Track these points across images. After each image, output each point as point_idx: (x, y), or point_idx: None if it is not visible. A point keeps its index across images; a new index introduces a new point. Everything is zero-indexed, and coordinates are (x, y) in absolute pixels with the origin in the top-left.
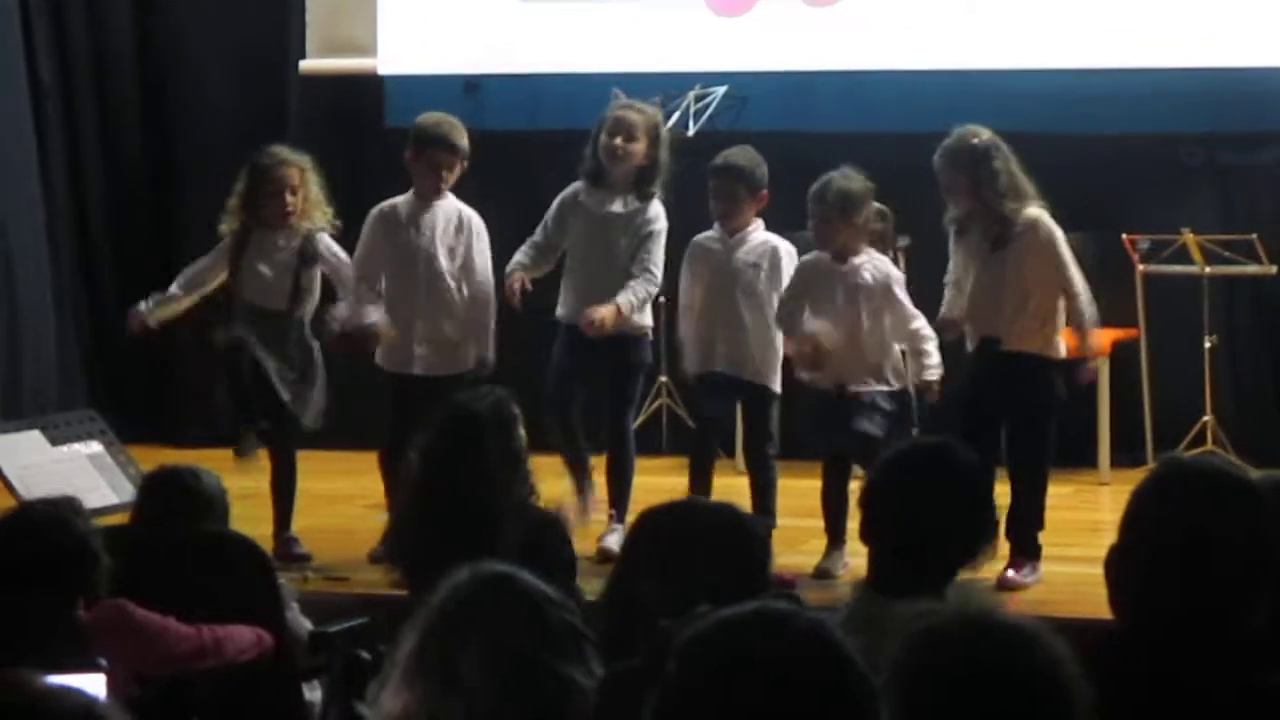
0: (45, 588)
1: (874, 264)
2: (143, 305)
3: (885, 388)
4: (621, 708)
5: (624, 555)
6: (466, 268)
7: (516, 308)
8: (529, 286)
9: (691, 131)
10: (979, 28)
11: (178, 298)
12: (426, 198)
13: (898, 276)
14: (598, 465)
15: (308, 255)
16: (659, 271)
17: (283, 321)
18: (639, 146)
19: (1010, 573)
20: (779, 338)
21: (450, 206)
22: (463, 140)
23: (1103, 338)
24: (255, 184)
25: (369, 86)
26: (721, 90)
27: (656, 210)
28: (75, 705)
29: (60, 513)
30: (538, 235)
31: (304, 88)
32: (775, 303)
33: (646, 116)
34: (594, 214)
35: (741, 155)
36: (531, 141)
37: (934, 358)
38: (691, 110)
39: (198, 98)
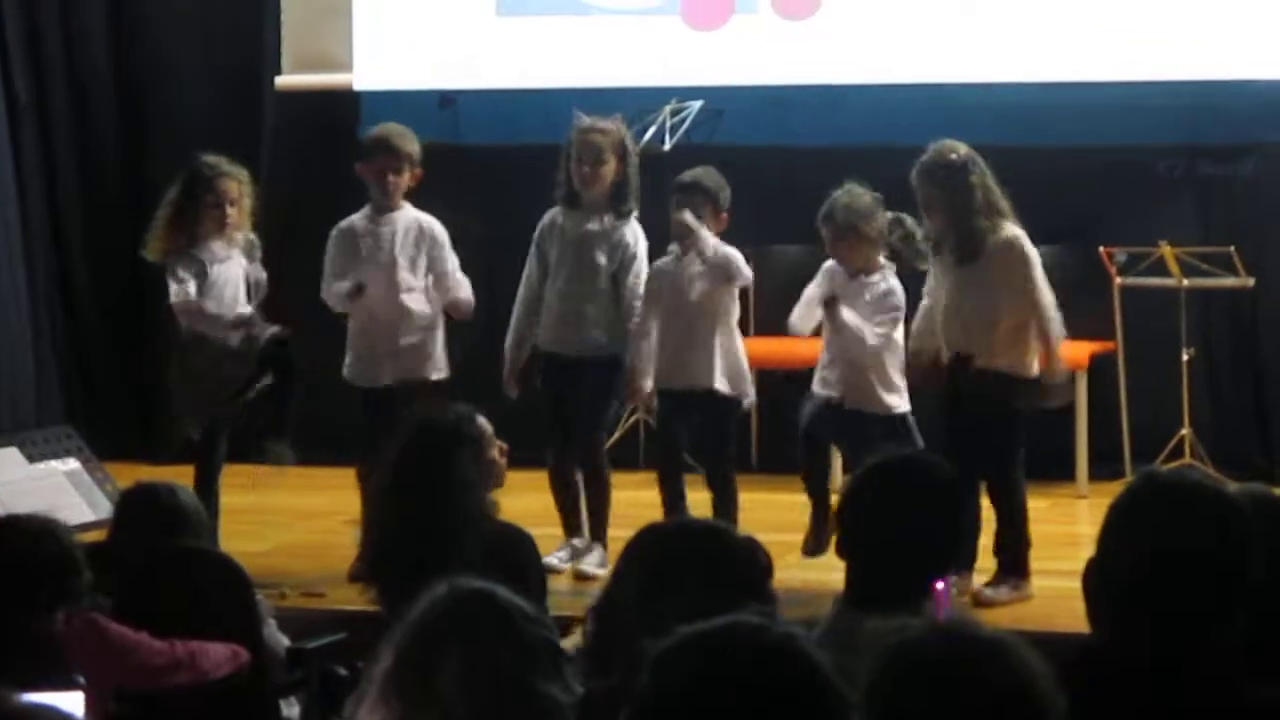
0: (25, 600)
1: (881, 284)
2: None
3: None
4: None
5: (616, 574)
6: (435, 276)
7: (513, 394)
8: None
9: (668, 146)
10: (955, 41)
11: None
12: (382, 209)
13: (897, 294)
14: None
15: (253, 256)
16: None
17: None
18: (609, 168)
19: (987, 590)
20: (740, 348)
21: (409, 217)
22: (410, 146)
23: (1069, 358)
24: (195, 193)
25: (345, 102)
26: (697, 104)
27: (635, 231)
28: None
29: (43, 525)
30: (525, 289)
31: (280, 103)
32: (730, 308)
33: (611, 135)
34: (572, 235)
35: (708, 176)
36: (507, 156)
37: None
38: (667, 125)
39: (174, 114)
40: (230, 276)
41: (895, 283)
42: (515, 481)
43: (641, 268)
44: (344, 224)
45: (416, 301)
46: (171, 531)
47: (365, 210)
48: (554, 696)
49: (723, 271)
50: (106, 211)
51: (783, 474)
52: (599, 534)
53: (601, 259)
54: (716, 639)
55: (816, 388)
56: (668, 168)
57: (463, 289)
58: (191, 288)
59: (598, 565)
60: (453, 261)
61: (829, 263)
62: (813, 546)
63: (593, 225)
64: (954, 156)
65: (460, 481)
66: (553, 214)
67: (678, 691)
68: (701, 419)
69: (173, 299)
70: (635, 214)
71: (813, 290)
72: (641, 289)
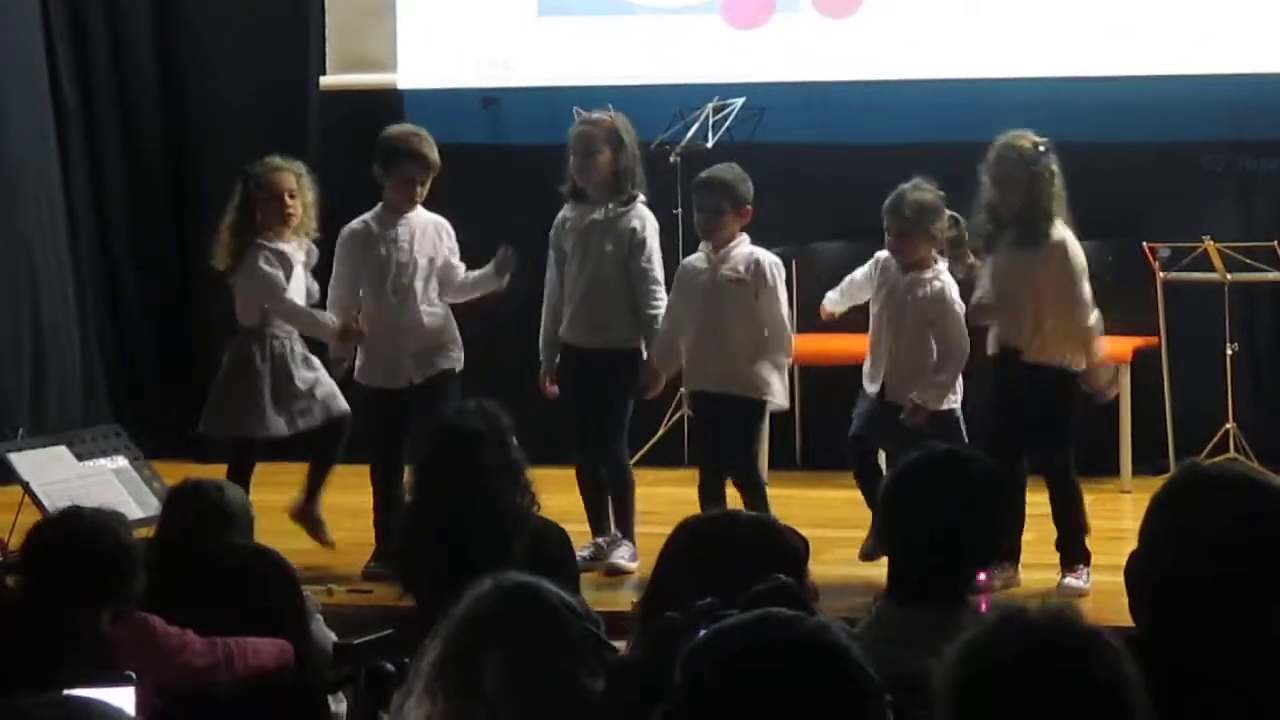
0: (83, 595)
1: (933, 284)
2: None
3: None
4: (624, 696)
5: (660, 566)
6: (446, 272)
7: (550, 395)
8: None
9: (710, 144)
10: (997, 38)
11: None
12: (398, 211)
13: (952, 296)
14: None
15: (308, 265)
16: (661, 280)
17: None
18: (603, 158)
19: (1068, 579)
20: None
21: (424, 217)
22: (433, 152)
23: (1114, 353)
24: (251, 193)
25: (388, 102)
26: (739, 102)
27: (642, 214)
28: None
29: (107, 521)
30: (548, 289)
31: (324, 104)
32: (769, 314)
33: (603, 126)
34: (579, 226)
35: (728, 171)
36: (548, 155)
37: (940, 378)
38: (710, 122)
39: (219, 116)
40: (299, 280)
41: (949, 279)
42: (542, 479)
43: (652, 252)
44: (356, 225)
45: (435, 304)
46: (219, 529)
47: (376, 212)
48: (597, 690)
49: (753, 277)
50: (152, 213)
51: (826, 470)
52: (625, 529)
53: (609, 247)
54: (750, 632)
55: (867, 384)
56: (710, 165)
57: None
58: (284, 281)
59: (630, 559)
60: (456, 256)
61: (882, 253)
62: (869, 551)
63: (597, 215)
64: (1041, 143)
65: (490, 478)
66: (562, 211)
67: (713, 684)
68: (726, 421)
69: (268, 283)
70: (641, 199)
71: (860, 277)
72: (655, 272)
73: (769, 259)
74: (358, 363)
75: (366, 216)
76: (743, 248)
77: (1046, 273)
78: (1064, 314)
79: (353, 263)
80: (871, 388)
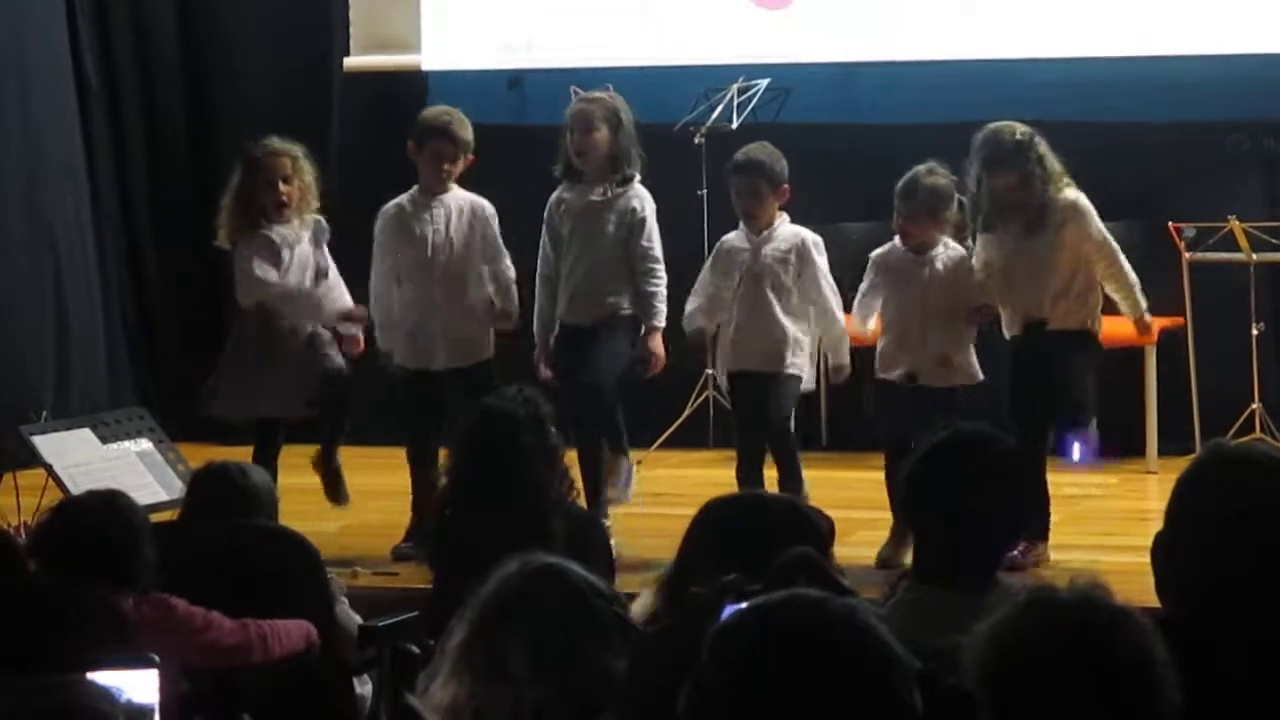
0: (93, 578)
1: (948, 253)
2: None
3: (955, 382)
4: (650, 671)
5: (685, 546)
6: (488, 257)
7: (545, 376)
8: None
9: (735, 125)
10: (1021, 17)
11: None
12: (433, 191)
13: (968, 259)
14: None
15: (319, 240)
16: (661, 258)
17: None
18: (601, 135)
19: None
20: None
21: (461, 198)
22: (465, 133)
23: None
24: (249, 176)
25: (413, 83)
26: (764, 83)
27: (640, 194)
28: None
29: (110, 503)
30: (542, 269)
31: (348, 85)
32: (818, 291)
33: (601, 104)
34: (576, 206)
35: (761, 150)
36: None
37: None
38: (735, 103)
39: (242, 97)
40: (300, 260)
41: (957, 247)
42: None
43: (652, 231)
44: (391, 206)
45: (474, 285)
46: (243, 511)
47: (413, 192)
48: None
49: (798, 253)
50: (175, 195)
51: (851, 451)
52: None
53: (609, 227)
54: (776, 613)
55: (886, 372)
56: (735, 146)
57: (511, 296)
58: (271, 274)
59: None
60: (499, 240)
61: (874, 253)
62: (887, 556)
63: (595, 196)
64: (1020, 135)
65: (531, 464)
66: (558, 192)
67: (739, 665)
68: (767, 396)
69: (249, 281)
70: (638, 179)
71: (868, 288)
72: (655, 251)
73: (811, 237)
74: (398, 345)
75: (402, 197)
76: (786, 227)
77: (1064, 238)
78: (1090, 266)
79: (390, 250)
80: (895, 373)
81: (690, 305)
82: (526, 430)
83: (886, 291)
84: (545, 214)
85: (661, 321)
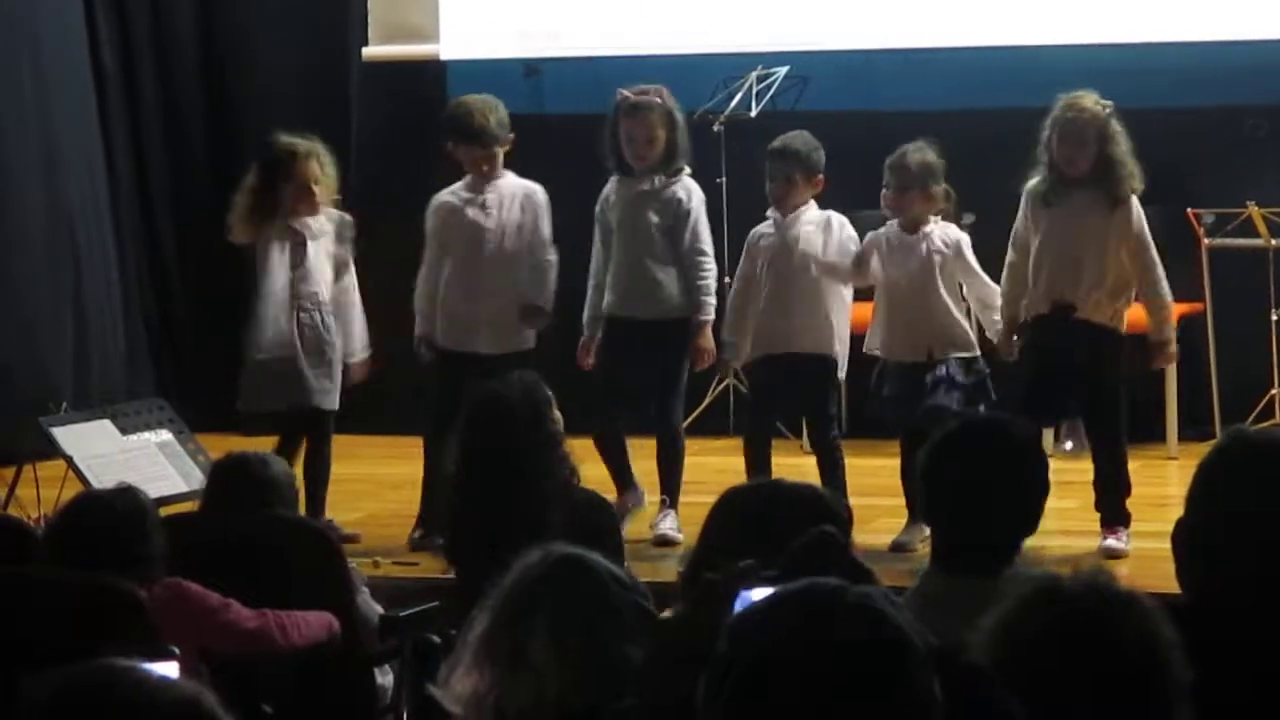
0: (108, 570)
1: (943, 230)
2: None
3: (964, 354)
4: (667, 659)
5: (704, 534)
6: (534, 243)
7: (587, 366)
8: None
9: (754, 112)
10: (1041, 4)
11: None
12: (483, 178)
13: (966, 239)
14: (644, 449)
15: (344, 237)
16: (710, 250)
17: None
18: (659, 140)
19: (1110, 540)
20: (844, 308)
21: (515, 185)
22: (494, 127)
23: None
24: (275, 181)
25: (431, 72)
26: (783, 71)
27: (688, 185)
28: (180, 696)
29: (118, 497)
30: (595, 262)
31: (367, 74)
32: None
33: (658, 110)
34: (627, 197)
35: (799, 139)
36: (592, 125)
37: (999, 318)
38: (754, 91)
39: (260, 85)
40: (322, 255)
41: (952, 226)
42: (580, 450)
43: (698, 221)
44: (445, 195)
45: (521, 272)
46: (264, 501)
47: (466, 181)
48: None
49: (834, 236)
50: (194, 184)
51: (870, 439)
52: (673, 498)
53: (654, 217)
54: (794, 602)
55: (885, 353)
56: (754, 134)
57: (545, 286)
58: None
59: (677, 530)
60: (549, 230)
61: (869, 236)
62: (902, 542)
63: (644, 186)
64: (1106, 104)
65: (530, 450)
66: (607, 187)
67: (757, 654)
68: (806, 384)
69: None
70: (688, 171)
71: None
72: (703, 243)
73: (838, 217)
74: (438, 325)
75: (456, 186)
76: (812, 210)
77: (1119, 233)
78: (1128, 269)
79: (440, 238)
80: (896, 355)
81: (732, 303)
82: (525, 416)
83: (885, 272)
84: (596, 210)
85: (710, 314)
